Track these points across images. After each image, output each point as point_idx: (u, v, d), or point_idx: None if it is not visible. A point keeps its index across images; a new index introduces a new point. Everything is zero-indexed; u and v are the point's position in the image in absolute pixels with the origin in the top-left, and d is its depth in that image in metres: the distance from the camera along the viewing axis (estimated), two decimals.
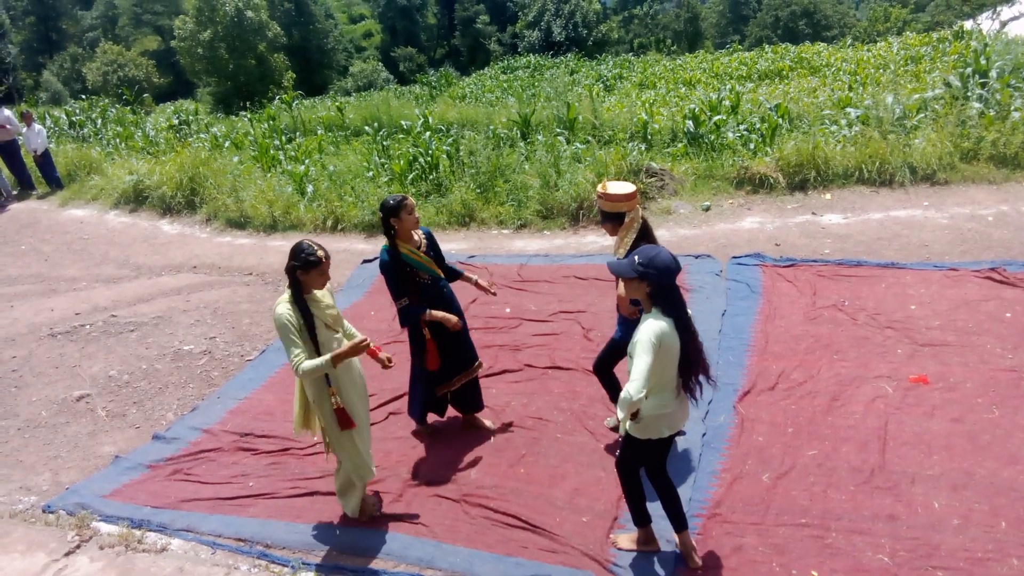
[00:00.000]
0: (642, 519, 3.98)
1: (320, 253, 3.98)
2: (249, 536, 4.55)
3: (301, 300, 4.00)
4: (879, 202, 8.86)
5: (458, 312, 5.05)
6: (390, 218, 4.67)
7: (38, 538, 4.69)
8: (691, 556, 3.88)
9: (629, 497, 3.95)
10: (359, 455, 4.28)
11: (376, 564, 4.23)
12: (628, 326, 4.47)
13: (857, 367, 5.55)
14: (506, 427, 5.42)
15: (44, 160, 15.12)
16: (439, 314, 4.76)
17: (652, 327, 3.38)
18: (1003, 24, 22.45)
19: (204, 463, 5.45)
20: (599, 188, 4.43)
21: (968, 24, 24.26)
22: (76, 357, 7.49)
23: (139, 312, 8.47)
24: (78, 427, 6.23)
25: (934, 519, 4.02)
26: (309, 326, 4.00)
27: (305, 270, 3.96)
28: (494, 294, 5.23)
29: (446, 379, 5.12)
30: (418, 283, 4.84)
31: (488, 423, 5.45)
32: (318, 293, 4.14)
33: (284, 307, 3.96)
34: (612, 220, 4.42)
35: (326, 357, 3.89)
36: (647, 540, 4.02)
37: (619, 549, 4.07)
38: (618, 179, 9.85)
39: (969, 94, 10.71)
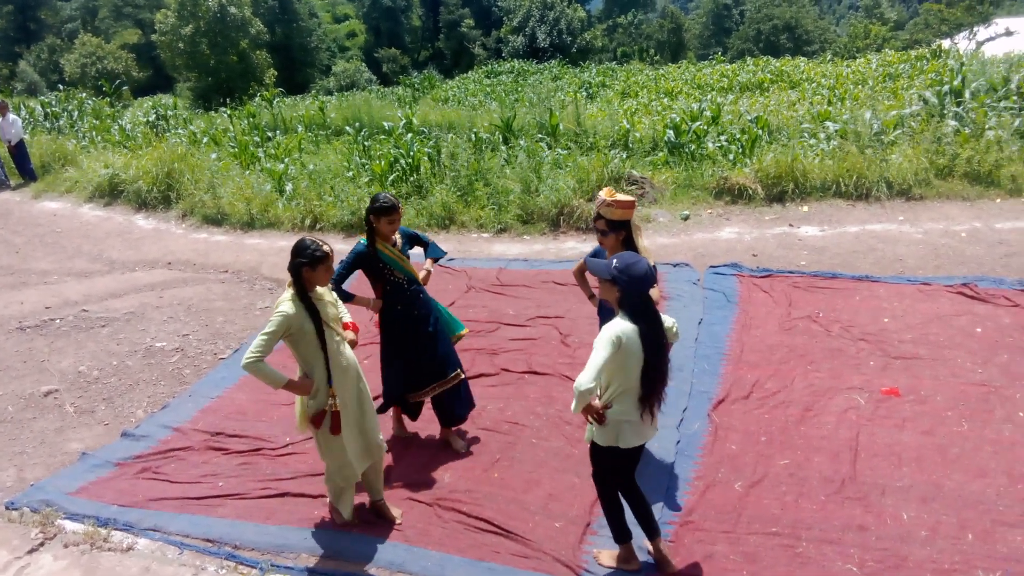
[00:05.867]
0: (622, 535, 3.92)
1: (326, 247, 3.96)
2: (218, 537, 4.49)
3: (307, 299, 3.95)
4: (855, 216, 8.97)
5: (434, 320, 5.04)
6: (370, 215, 4.68)
7: (1, 535, 4.59)
8: (666, 561, 3.87)
9: (608, 512, 3.89)
10: (345, 456, 4.21)
11: (347, 567, 4.18)
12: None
13: (830, 378, 5.60)
14: (477, 439, 5.36)
15: (18, 151, 14.90)
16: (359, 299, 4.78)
17: (615, 325, 3.45)
18: (979, 44, 22.84)
19: (173, 462, 5.37)
20: (606, 197, 4.22)
21: (946, 43, 24.64)
22: (45, 352, 7.36)
23: (111, 307, 8.35)
24: (45, 423, 6.12)
25: (903, 530, 4.06)
26: (317, 326, 3.96)
27: (312, 266, 3.91)
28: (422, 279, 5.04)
29: (419, 387, 5.04)
30: (393, 281, 4.82)
31: (459, 444, 5.25)
32: (320, 291, 4.11)
33: (288, 305, 3.89)
34: (617, 229, 4.30)
35: (285, 378, 3.87)
36: (627, 558, 3.96)
37: (600, 565, 4.02)
38: (600, 187, 9.92)
39: (945, 112, 10.89)
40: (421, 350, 4.96)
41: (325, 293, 4.16)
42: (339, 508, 4.50)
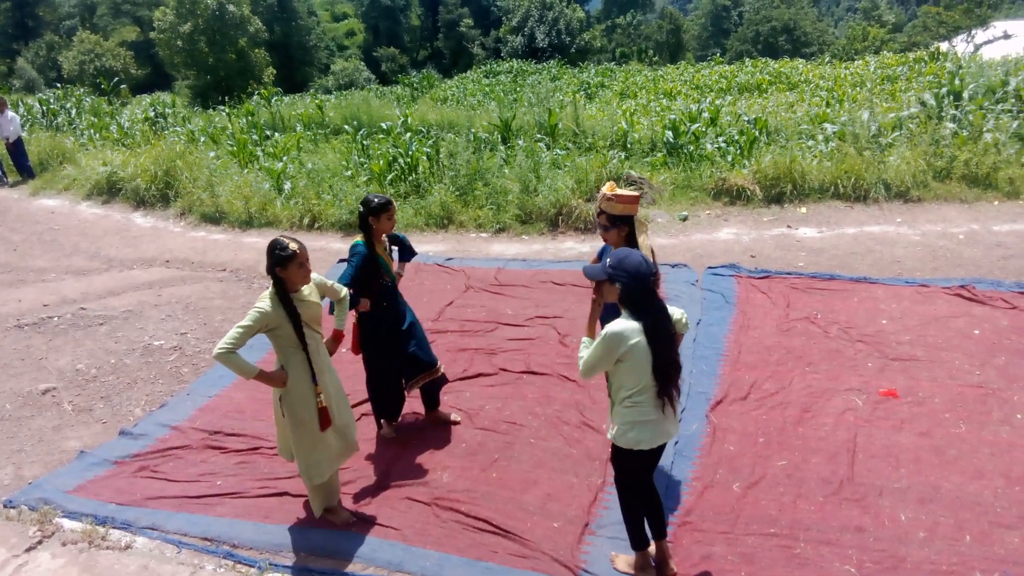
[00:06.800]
0: (639, 543, 3.89)
1: (293, 246, 3.93)
2: (216, 535, 4.49)
3: (287, 299, 3.98)
4: (853, 217, 8.99)
5: (411, 315, 5.20)
6: (369, 217, 4.71)
7: None
8: (667, 563, 3.87)
9: (627, 519, 3.87)
10: (314, 455, 4.21)
11: (345, 566, 4.18)
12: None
13: (828, 379, 5.61)
14: (475, 439, 5.38)
15: (16, 148, 14.86)
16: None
17: (615, 324, 3.45)
18: (977, 47, 22.91)
19: (172, 460, 5.36)
20: (607, 192, 4.26)
21: (944, 46, 24.68)
22: (43, 349, 7.35)
23: (109, 305, 8.34)
24: (43, 421, 6.11)
25: (900, 531, 4.07)
26: (296, 325, 3.99)
27: (282, 266, 3.92)
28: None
29: (409, 378, 5.20)
30: (381, 284, 4.91)
31: (452, 415, 5.54)
32: (306, 291, 4.13)
33: (266, 302, 3.94)
34: (619, 224, 4.34)
35: (256, 369, 3.90)
36: (643, 566, 3.93)
37: (616, 570, 4.01)
38: (600, 186, 9.92)
39: (943, 114, 10.92)
40: (406, 343, 5.10)
41: (311, 294, 4.17)
42: (315, 505, 4.51)
